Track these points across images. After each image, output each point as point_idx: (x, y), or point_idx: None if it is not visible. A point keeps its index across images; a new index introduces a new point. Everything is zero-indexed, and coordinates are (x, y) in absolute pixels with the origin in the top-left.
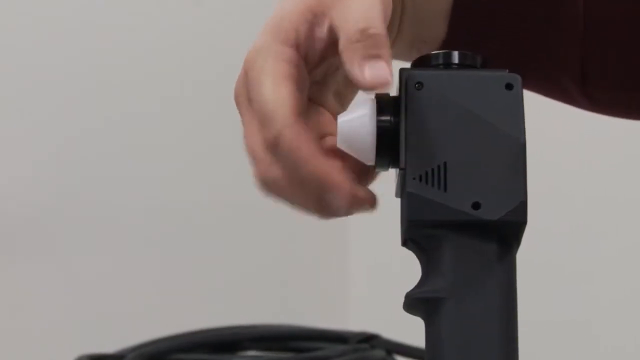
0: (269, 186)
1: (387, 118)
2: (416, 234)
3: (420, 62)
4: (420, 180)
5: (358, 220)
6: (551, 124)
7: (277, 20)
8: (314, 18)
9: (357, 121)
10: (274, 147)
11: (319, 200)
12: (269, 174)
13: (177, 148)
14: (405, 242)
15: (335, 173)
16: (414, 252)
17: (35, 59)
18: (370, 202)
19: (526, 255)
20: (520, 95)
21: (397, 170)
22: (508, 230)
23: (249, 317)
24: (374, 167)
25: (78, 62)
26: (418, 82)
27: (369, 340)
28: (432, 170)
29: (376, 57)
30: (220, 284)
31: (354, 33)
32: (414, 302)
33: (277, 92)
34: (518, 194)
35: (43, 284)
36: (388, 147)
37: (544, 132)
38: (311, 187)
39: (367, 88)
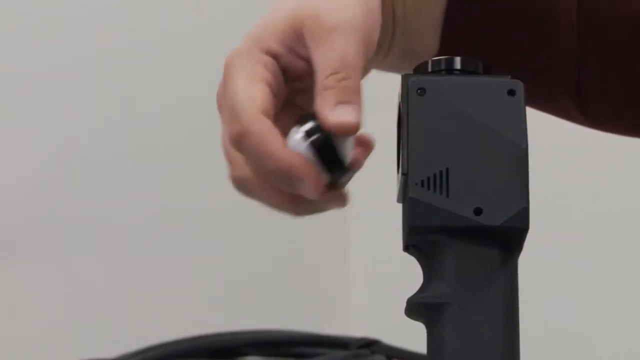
0: (243, 186)
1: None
2: (418, 239)
3: (422, 68)
4: (423, 185)
5: (359, 224)
6: (553, 130)
7: (260, 30)
8: (297, 38)
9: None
10: (240, 142)
11: (290, 195)
12: (241, 173)
13: (177, 150)
14: (406, 248)
15: (301, 163)
16: (415, 257)
17: (33, 61)
18: (340, 200)
19: (527, 261)
20: (523, 101)
21: (399, 175)
22: (510, 236)
23: (249, 321)
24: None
25: (77, 64)
26: (420, 88)
27: (370, 345)
28: (434, 175)
29: (347, 103)
30: (220, 288)
31: (328, 80)
32: (416, 307)
33: (248, 89)
34: (520, 200)
35: (43, 286)
36: (328, 155)
37: (546, 137)
38: (280, 180)
39: (336, 132)
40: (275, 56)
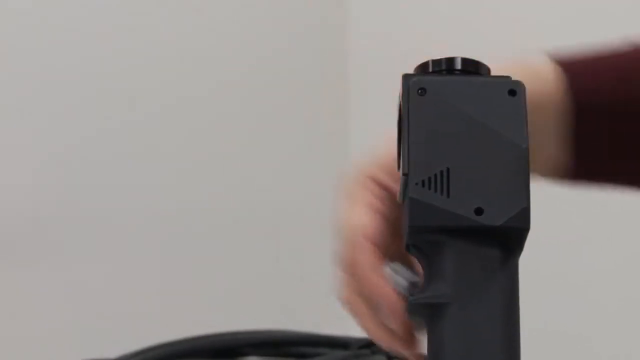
0: (347, 304)
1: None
2: (418, 239)
3: (423, 68)
4: (423, 185)
5: None
6: None
7: (369, 161)
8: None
9: None
10: (345, 266)
11: (383, 325)
12: (345, 291)
13: (177, 153)
14: (407, 248)
15: (386, 288)
16: (416, 257)
17: (34, 61)
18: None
19: (527, 261)
20: (523, 102)
21: (400, 175)
22: (510, 236)
23: (249, 321)
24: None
25: (77, 64)
26: (421, 88)
27: (370, 345)
28: (435, 175)
29: None
30: (220, 288)
31: None
32: (416, 307)
33: (355, 216)
34: (521, 200)
35: (43, 287)
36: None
37: None
38: (369, 300)
39: None
40: (382, 185)
